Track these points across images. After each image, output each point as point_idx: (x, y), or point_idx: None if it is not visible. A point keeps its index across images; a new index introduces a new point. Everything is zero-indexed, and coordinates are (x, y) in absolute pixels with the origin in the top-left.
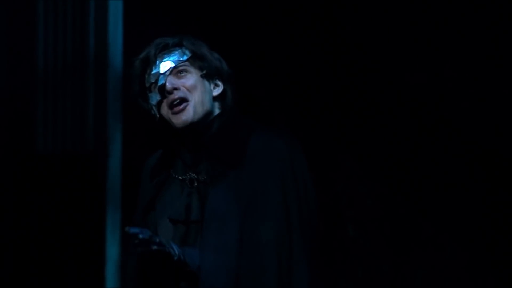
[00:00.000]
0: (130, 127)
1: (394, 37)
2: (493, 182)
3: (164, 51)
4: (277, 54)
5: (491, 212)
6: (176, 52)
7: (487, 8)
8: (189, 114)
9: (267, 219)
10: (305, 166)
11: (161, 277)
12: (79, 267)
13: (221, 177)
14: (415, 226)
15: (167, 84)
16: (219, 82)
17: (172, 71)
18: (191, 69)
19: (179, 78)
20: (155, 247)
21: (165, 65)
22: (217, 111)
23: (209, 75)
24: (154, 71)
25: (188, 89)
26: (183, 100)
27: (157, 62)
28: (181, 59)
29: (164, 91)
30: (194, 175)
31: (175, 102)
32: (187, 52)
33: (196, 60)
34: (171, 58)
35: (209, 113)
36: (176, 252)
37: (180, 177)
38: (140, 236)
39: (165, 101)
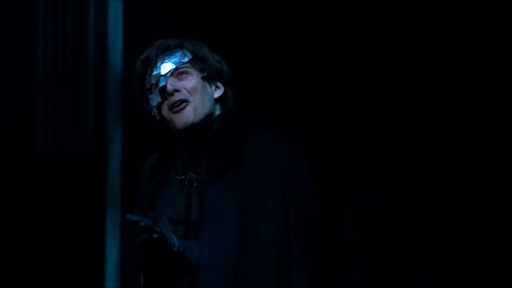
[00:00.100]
0: (130, 128)
1: (394, 37)
2: (493, 182)
3: (165, 52)
4: (277, 55)
5: (491, 212)
6: (177, 53)
7: (487, 8)
8: (189, 115)
9: (266, 218)
10: (305, 166)
11: (160, 271)
12: (79, 268)
13: (221, 177)
14: (415, 227)
15: (168, 85)
16: (220, 84)
17: (173, 72)
18: (192, 71)
19: (180, 80)
20: (155, 235)
21: (166, 67)
22: (217, 112)
23: (210, 77)
24: (155, 72)
25: (189, 91)
26: (184, 102)
27: (158, 63)
28: (182, 60)
29: (165, 93)
30: (193, 175)
31: (176, 104)
32: (188, 53)
33: (197, 62)
34: (172, 60)
35: (209, 115)
36: (176, 243)
37: (180, 178)
38: (142, 223)
39: (165, 102)
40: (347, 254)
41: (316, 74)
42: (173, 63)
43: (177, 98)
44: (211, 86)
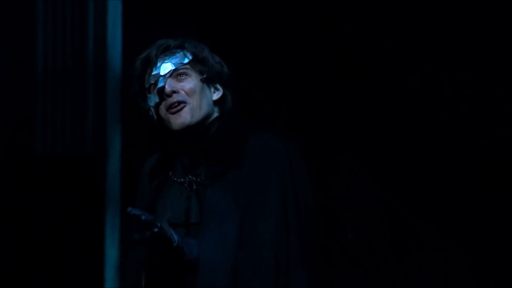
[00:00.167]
0: (130, 129)
1: (394, 38)
2: (493, 182)
3: (165, 52)
4: (277, 55)
5: (491, 212)
6: (178, 54)
7: (487, 8)
8: (186, 116)
9: (266, 218)
10: (304, 166)
11: (160, 270)
12: (78, 268)
13: (220, 178)
14: (415, 228)
15: (166, 86)
16: (219, 86)
17: (172, 73)
18: (192, 72)
19: (179, 81)
20: (156, 229)
21: (166, 67)
22: (216, 115)
23: (209, 79)
24: (154, 72)
25: (187, 93)
26: (181, 103)
27: (158, 63)
28: (182, 62)
29: (163, 94)
30: (193, 177)
31: (173, 105)
32: (188, 55)
33: (197, 63)
34: (172, 60)
35: (207, 117)
36: (176, 238)
37: (179, 180)
38: (143, 217)
39: (163, 103)
40: (347, 254)
41: (316, 74)
42: (173, 64)
43: (174, 99)
44: (210, 88)
